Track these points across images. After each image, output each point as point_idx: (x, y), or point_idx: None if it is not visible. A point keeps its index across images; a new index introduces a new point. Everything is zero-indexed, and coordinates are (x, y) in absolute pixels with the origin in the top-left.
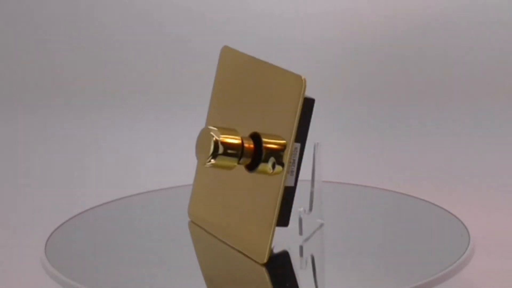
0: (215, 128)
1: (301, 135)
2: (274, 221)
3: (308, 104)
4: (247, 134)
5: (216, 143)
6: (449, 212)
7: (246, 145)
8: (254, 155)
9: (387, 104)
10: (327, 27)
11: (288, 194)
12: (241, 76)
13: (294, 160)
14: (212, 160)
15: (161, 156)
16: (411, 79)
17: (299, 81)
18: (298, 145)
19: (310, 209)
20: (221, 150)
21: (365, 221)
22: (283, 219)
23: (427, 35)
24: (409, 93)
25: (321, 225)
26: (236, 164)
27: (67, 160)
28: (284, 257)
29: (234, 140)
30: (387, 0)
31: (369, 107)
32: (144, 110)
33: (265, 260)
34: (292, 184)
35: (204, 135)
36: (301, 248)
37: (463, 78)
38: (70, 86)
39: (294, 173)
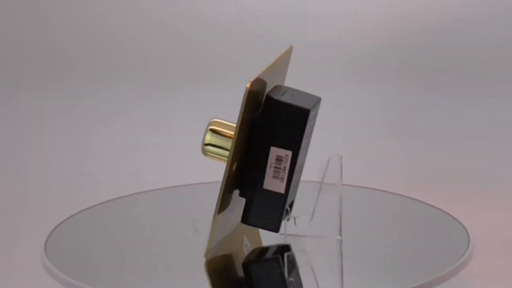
0: (218, 121)
1: (288, 143)
2: (215, 218)
3: (297, 113)
4: None
5: (210, 133)
6: (448, 214)
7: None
8: None
9: (386, 104)
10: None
11: (277, 200)
12: None
13: (284, 167)
14: (205, 149)
15: (162, 154)
16: (409, 81)
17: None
18: (289, 152)
19: (311, 218)
20: (212, 140)
21: (365, 222)
22: (269, 224)
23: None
24: (406, 95)
25: (339, 241)
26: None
27: (66, 158)
28: (270, 263)
29: (227, 133)
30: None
31: (365, 107)
32: (146, 108)
33: (207, 255)
34: (281, 191)
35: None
36: (288, 257)
37: (464, 77)
38: (68, 84)
39: (285, 180)
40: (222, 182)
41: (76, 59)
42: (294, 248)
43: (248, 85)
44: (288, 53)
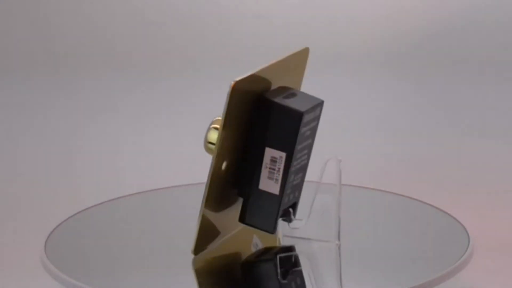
0: (221, 119)
1: (282, 144)
2: (200, 215)
3: (290, 115)
4: None
5: (213, 131)
6: (448, 214)
7: None
8: None
9: (385, 105)
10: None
11: (272, 201)
12: None
13: (279, 168)
14: (207, 146)
15: (162, 154)
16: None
17: None
18: (283, 154)
19: (306, 220)
20: (214, 138)
21: (365, 222)
22: (265, 224)
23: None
24: (406, 95)
25: (337, 246)
26: None
27: (66, 158)
28: (264, 264)
29: None
30: None
31: (365, 107)
32: (146, 107)
33: (195, 252)
34: (275, 192)
35: None
36: (282, 258)
37: (464, 77)
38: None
39: (279, 182)
40: (208, 178)
41: (76, 59)
42: (297, 250)
43: (232, 84)
44: (301, 55)
